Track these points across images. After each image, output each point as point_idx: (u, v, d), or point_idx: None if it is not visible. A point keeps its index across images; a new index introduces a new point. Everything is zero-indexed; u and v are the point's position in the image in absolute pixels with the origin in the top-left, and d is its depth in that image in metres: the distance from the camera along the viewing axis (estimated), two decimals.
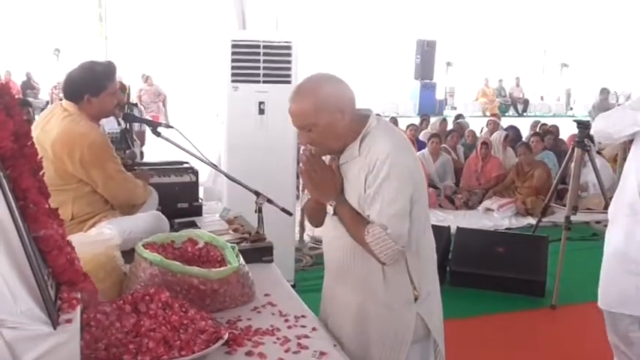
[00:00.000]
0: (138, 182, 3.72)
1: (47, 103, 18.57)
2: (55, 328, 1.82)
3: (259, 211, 3.54)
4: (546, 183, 9.09)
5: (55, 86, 19.40)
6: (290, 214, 3.85)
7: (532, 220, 8.37)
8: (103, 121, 4.21)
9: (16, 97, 2.23)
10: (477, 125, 14.63)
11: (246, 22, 6.32)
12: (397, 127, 2.65)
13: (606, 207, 4.10)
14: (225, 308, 2.64)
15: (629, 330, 3.80)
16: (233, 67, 5.66)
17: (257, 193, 3.58)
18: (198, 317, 2.26)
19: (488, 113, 24.32)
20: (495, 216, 9.06)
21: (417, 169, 2.58)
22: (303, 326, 2.52)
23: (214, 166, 4.18)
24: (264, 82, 5.72)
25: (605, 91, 18.00)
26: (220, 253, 2.83)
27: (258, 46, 5.65)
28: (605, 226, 3.94)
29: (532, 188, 9.35)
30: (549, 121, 14.47)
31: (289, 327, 2.51)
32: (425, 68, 26.30)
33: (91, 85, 3.51)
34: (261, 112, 5.77)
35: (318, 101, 2.48)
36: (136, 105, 10.99)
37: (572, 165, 6.05)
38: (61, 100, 3.70)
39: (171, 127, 3.85)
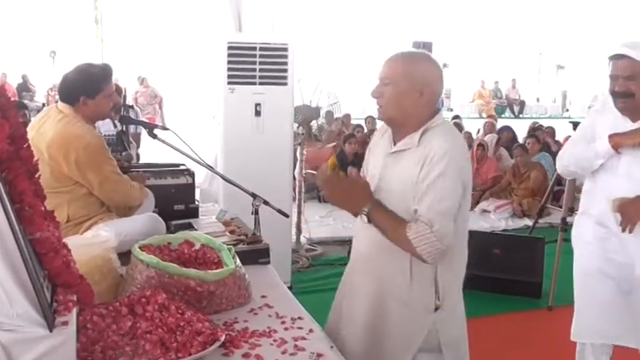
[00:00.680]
0: (134, 184, 3.71)
1: (43, 105, 18.53)
2: (51, 331, 1.81)
3: (256, 212, 3.54)
4: (542, 184, 9.10)
5: (50, 88, 19.40)
6: (286, 215, 3.85)
7: (528, 222, 8.39)
8: (99, 123, 4.20)
9: (12, 99, 2.22)
10: (474, 127, 14.66)
11: (242, 24, 6.32)
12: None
13: None
14: (222, 310, 2.63)
15: None
16: (229, 69, 5.66)
17: (253, 195, 3.58)
18: (195, 319, 2.26)
19: (484, 115, 24.33)
20: (492, 217, 9.08)
21: (468, 175, 2.56)
22: (300, 328, 2.52)
23: (210, 168, 4.19)
24: (261, 84, 5.72)
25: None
26: (217, 255, 2.83)
27: (254, 48, 5.65)
28: None
29: (528, 190, 9.36)
30: (545, 123, 14.51)
31: (286, 329, 2.50)
32: None
33: (87, 88, 3.51)
34: (258, 114, 5.77)
35: (411, 68, 2.55)
36: (132, 107, 11.00)
37: None
38: (56, 102, 3.69)
39: (168, 129, 3.85)
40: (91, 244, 2.74)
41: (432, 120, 2.56)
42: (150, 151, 7.91)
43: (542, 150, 10.42)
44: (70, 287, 2.08)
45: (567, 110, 31.21)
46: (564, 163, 3.59)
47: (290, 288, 4.62)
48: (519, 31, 30.10)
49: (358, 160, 9.92)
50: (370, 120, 13.71)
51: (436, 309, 2.58)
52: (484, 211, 9.29)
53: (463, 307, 2.77)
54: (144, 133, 5.16)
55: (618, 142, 3.23)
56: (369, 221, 2.54)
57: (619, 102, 3.22)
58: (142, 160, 7.92)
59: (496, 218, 9.02)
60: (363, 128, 12.44)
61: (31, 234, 1.96)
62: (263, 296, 2.84)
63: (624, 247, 3.35)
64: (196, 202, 4.33)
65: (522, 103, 29.24)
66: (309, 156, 7.92)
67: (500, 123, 14.53)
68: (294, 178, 7.09)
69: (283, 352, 2.28)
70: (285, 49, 5.73)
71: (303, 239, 7.42)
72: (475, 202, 9.57)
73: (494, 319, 5.56)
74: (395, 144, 2.63)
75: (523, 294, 5.85)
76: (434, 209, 2.42)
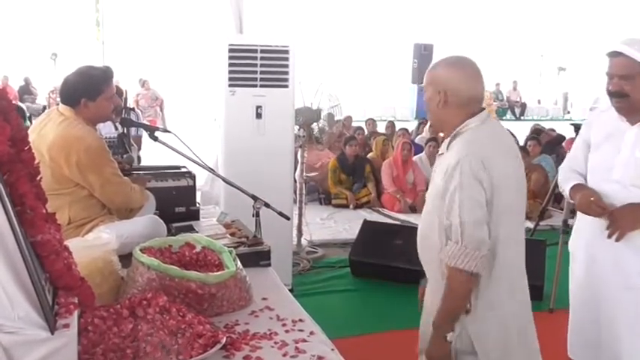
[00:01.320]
0: (135, 186, 3.71)
1: (44, 107, 18.54)
2: (52, 333, 1.82)
3: (257, 215, 3.54)
4: (543, 187, 9.09)
5: (52, 91, 19.38)
6: (287, 218, 3.85)
7: (529, 224, 8.36)
8: (100, 125, 4.21)
9: (13, 102, 2.23)
10: None
11: (243, 27, 6.32)
12: (505, 132, 2.65)
13: None
14: (223, 312, 2.64)
15: None
16: (230, 72, 5.66)
17: (254, 198, 3.58)
18: (196, 321, 2.26)
19: None
20: None
21: (491, 180, 2.47)
22: (301, 330, 2.52)
23: (212, 171, 4.19)
24: (262, 86, 5.72)
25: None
26: (218, 258, 2.83)
27: (255, 51, 5.65)
28: None
29: (529, 192, 9.35)
30: (546, 125, 14.50)
31: (287, 331, 2.51)
32: (422, 72, 25.88)
33: (88, 90, 3.52)
34: (259, 116, 5.77)
35: (432, 73, 2.66)
36: (133, 109, 10.99)
37: None
38: (57, 104, 3.70)
39: (169, 131, 3.85)
40: (92, 246, 2.74)
41: (465, 123, 2.56)
42: (151, 154, 7.90)
43: (546, 152, 10.42)
44: (72, 289, 2.08)
45: (568, 112, 31.18)
46: (560, 173, 3.50)
47: (291, 290, 4.62)
48: (520, 33, 30.12)
49: (359, 162, 9.94)
50: (371, 122, 13.71)
51: (467, 312, 2.56)
52: None
53: (510, 312, 2.66)
54: (145, 135, 5.16)
55: (578, 208, 3.22)
56: None
57: (614, 102, 3.07)
58: (143, 163, 7.93)
59: None
60: (363, 130, 12.43)
61: (33, 236, 1.96)
62: (264, 298, 2.84)
63: (616, 258, 3.12)
64: (197, 205, 4.34)
65: (523, 106, 29.24)
66: (309, 159, 7.92)
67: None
68: (295, 180, 7.09)
69: (284, 355, 2.29)
70: (286, 52, 5.73)
71: (304, 241, 7.41)
72: None
73: None
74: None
75: None
76: (461, 223, 2.43)
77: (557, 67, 33.24)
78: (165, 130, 3.92)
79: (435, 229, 2.55)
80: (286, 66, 5.75)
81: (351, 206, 9.60)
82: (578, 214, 3.37)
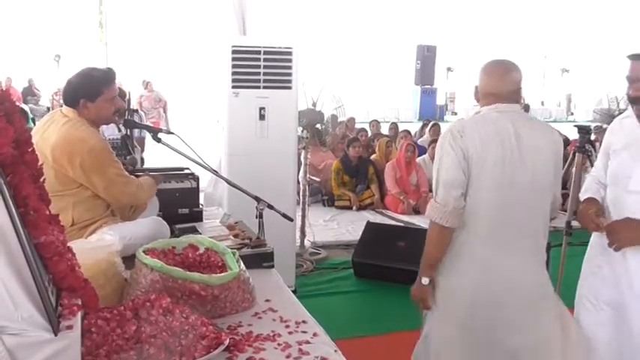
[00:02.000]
0: (142, 183, 3.71)
1: (48, 109, 18.57)
2: (55, 335, 1.82)
3: (260, 216, 3.54)
4: None
5: (55, 92, 19.43)
6: (290, 219, 3.85)
7: None
8: (103, 127, 4.21)
9: (17, 103, 2.23)
10: None
11: (246, 28, 6.32)
12: (493, 119, 3.02)
13: None
14: (226, 314, 2.64)
15: None
16: (233, 73, 5.66)
17: (257, 199, 3.58)
18: (199, 323, 2.26)
19: None
20: None
21: (472, 151, 2.89)
22: (304, 332, 2.52)
23: (215, 172, 4.19)
24: (265, 87, 5.72)
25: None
26: (221, 259, 2.83)
27: (258, 52, 5.65)
28: None
29: None
30: None
31: (290, 332, 2.50)
32: (425, 74, 26.31)
33: (87, 90, 3.51)
34: (262, 117, 5.77)
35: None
36: (136, 111, 11.00)
37: (573, 170, 6.04)
38: (61, 106, 3.70)
39: (172, 133, 3.85)
40: (96, 247, 2.74)
41: (479, 110, 3.09)
42: (154, 155, 7.90)
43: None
44: (75, 291, 2.08)
45: (572, 114, 31.17)
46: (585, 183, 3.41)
47: (294, 292, 4.62)
48: (524, 35, 30.11)
49: (362, 164, 9.93)
50: (375, 124, 13.70)
51: None
52: None
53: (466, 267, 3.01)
54: (148, 137, 5.16)
55: (578, 219, 3.27)
56: None
57: (635, 108, 2.91)
58: (146, 165, 7.93)
59: None
60: (366, 132, 12.43)
61: (36, 238, 1.96)
62: (267, 300, 2.84)
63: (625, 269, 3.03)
64: (200, 206, 4.34)
65: (527, 107, 29.02)
66: (312, 160, 7.93)
67: None
68: (298, 181, 7.09)
69: (287, 356, 2.28)
70: (290, 53, 5.73)
71: (307, 243, 7.42)
72: None
73: None
74: None
75: None
76: (436, 182, 2.97)
77: (561, 69, 33.25)
78: (169, 132, 3.92)
79: None
80: (289, 67, 5.75)
81: (355, 208, 9.61)
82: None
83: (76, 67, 3.73)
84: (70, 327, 1.88)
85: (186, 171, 4.46)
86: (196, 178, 4.36)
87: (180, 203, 4.16)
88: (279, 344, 2.38)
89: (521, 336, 3.01)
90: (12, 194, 1.91)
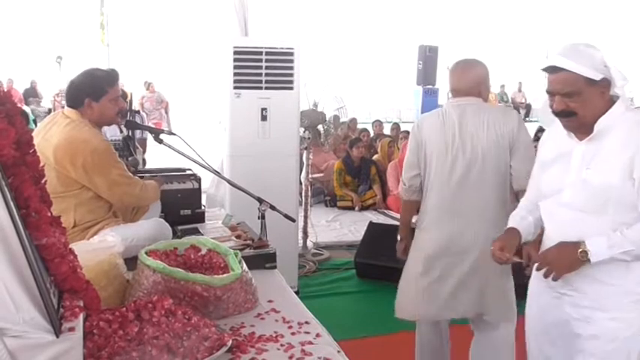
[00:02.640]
0: (146, 184, 3.71)
1: (50, 110, 18.58)
2: (57, 337, 1.82)
3: (262, 217, 3.54)
4: None
5: (57, 94, 19.39)
6: (293, 220, 3.85)
7: None
8: (105, 128, 4.20)
9: (18, 105, 2.23)
10: None
11: (248, 29, 6.33)
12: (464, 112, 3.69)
13: None
14: (229, 315, 2.63)
15: None
16: (235, 74, 5.66)
17: (260, 200, 3.58)
18: (202, 324, 2.25)
19: None
20: None
21: (428, 143, 3.74)
22: (307, 332, 2.51)
23: (217, 173, 4.18)
24: (267, 88, 5.72)
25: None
26: (223, 260, 2.83)
27: (260, 53, 5.65)
28: None
29: None
30: None
31: (293, 333, 2.50)
32: (427, 74, 26.16)
33: (92, 90, 3.51)
34: (264, 118, 5.77)
35: None
36: (138, 112, 11.03)
37: None
38: (63, 107, 3.70)
39: (174, 134, 3.84)
40: (98, 249, 2.74)
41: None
42: (156, 156, 7.90)
43: None
44: (77, 293, 2.08)
45: None
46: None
47: (297, 292, 4.61)
48: (525, 34, 30.08)
49: (364, 164, 9.93)
50: (378, 124, 13.71)
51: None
52: None
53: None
54: (150, 138, 5.14)
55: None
56: None
57: (562, 121, 2.71)
58: (148, 166, 7.93)
59: None
60: (368, 132, 12.44)
61: (38, 240, 1.96)
62: (270, 301, 2.83)
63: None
64: (203, 207, 4.33)
65: (528, 107, 29.18)
66: (314, 161, 7.92)
67: None
68: (301, 182, 7.09)
69: (290, 357, 2.28)
70: (291, 54, 5.73)
71: (309, 244, 7.42)
72: None
73: None
74: None
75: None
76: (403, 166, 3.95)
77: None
78: (171, 133, 3.91)
79: None
80: (291, 68, 5.75)
81: (357, 208, 9.61)
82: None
83: (77, 69, 3.73)
84: (72, 329, 1.88)
85: (188, 172, 4.46)
86: (198, 179, 4.35)
87: (182, 204, 4.16)
88: (281, 345, 2.37)
89: (461, 269, 3.71)
90: (13, 196, 1.91)
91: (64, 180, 3.40)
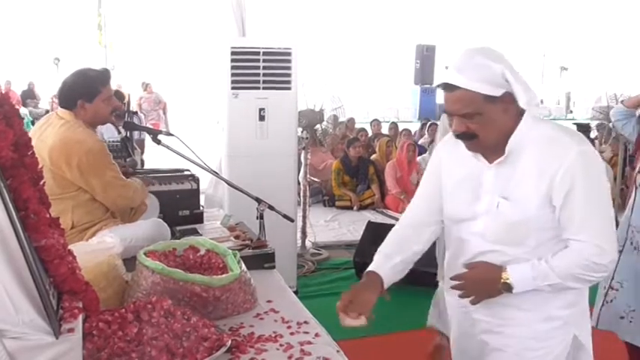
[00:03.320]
0: (136, 187, 3.71)
1: (47, 112, 18.56)
2: (57, 338, 1.82)
3: (261, 217, 3.54)
4: None
5: (54, 95, 19.35)
6: (292, 220, 3.85)
7: None
8: (103, 129, 4.21)
9: (16, 107, 2.23)
10: None
11: (245, 29, 6.32)
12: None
13: None
14: (228, 315, 2.63)
15: None
16: (233, 74, 5.66)
17: (258, 200, 3.58)
18: (201, 325, 2.25)
19: None
20: None
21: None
22: (306, 332, 2.51)
23: (215, 174, 4.18)
24: (264, 88, 5.72)
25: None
26: (222, 260, 2.83)
27: (257, 53, 5.65)
28: None
29: None
30: None
31: (292, 333, 2.50)
32: (425, 73, 26.26)
33: (85, 91, 3.51)
34: (262, 118, 5.77)
35: None
36: (136, 113, 11.03)
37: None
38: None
39: (172, 134, 3.84)
40: (96, 250, 2.74)
41: None
42: (154, 157, 7.91)
43: None
44: (76, 294, 2.08)
45: (571, 112, 31.16)
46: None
47: (296, 292, 4.61)
48: (523, 33, 30.10)
49: (362, 164, 9.93)
50: (376, 124, 13.71)
51: None
52: None
53: None
54: (148, 139, 5.13)
55: None
56: None
57: (464, 143, 2.35)
58: (146, 166, 7.93)
59: None
60: (366, 132, 12.44)
61: (37, 241, 1.96)
62: (269, 301, 2.84)
63: None
64: (201, 208, 4.33)
65: None
66: (312, 161, 7.93)
67: None
68: (299, 182, 7.09)
69: (289, 357, 2.28)
70: (289, 54, 5.73)
71: (308, 243, 7.41)
72: None
73: None
74: None
75: None
76: None
77: (560, 67, 33.24)
78: (169, 134, 3.91)
79: None
80: (289, 68, 5.75)
81: (355, 208, 9.61)
82: None
83: (75, 70, 3.73)
84: (71, 330, 1.88)
85: (187, 172, 4.45)
86: (196, 180, 4.35)
87: (180, 205, 4.15)
88: (281, 345, 2.37)
89: None
90: (12, 197, 1.91)
91: (60, 181, 3.40)
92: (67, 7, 25.28)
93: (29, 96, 22.07)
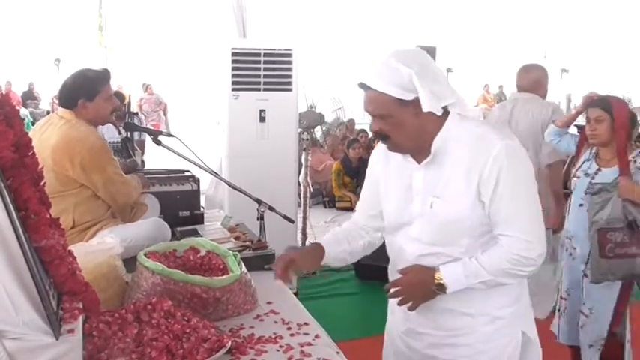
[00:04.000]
0: (135, 184, 3.73)
1: (48, 112, 18.56)
2: (57, 339, 1.82)
3: (261, 218, 3.54)
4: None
5: (55, 96, 19.36)
6: (292, 221, 3.85)
7: None
8: (104, 129, 4.21)
9: (17, 107, 2.23)
10: None
11: (246, 30, 6.33)
12: None
13: None
14: (228, 316, 2.63)
15: None
16: (233, 75, 5.67)
17: (258, 201, 3.58)
18: (201, 326, 2.25)
19: None
20: None
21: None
22: (306, 334, 2.51)
23: (215, 175, 4.18)
24: (265, 89, 5.73)
25: None
26: (222, 261, 2.83)
27: (258, 54, 5.66)
28: None
29: None
30: None
31: (292, 334, 2.50)
32: None
33: (85, 90, 3.52)
34: (262, 119, 5.78)
35: None
36: (136, 114, 11.02)
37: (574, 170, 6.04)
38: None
39: (172, 135, 3.85)
40: (97, 251, 2.74)
41: None
42: (154, 158, 7.91)
43: None
44: (76, 295, 2.08)
45: None
46: None
47: (296, 294, 4.60)
48: (523, 35, 30.07)
49: (363, 165, 9.93)
50: None
51: None
52: None
53: None
54: (148, 140, 5.13)
55: None
56: None
57: (386, 144, 2.37)
58: (146, 167, 7.93)
59: None
60: (367, 133, 12.41)
61: (37, 242, 1.96)
62: (269, 302, 2.83)
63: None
64: (201, 209, 4.33)
65: None
66: (312, 162, 7.92)
67: None
68: (299, 183, 7.09)
69: (289, 358, 2.28)
70: (289, 55, 5.74)
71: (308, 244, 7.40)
72: None
73: None
74: None
75: None
76: None
77: (561, 69, 33.16)
78: (169, 135, 3.92)
79: None
80: (289, 69, 5.76)
81: (355, 209, 9.59)
82: None
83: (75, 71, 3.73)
84: (71, 331, 1.88)
85: (187, 173, 4.46)
86: (197, 181, 4.35)
87: (180, 206, 4.15)
88: (280, 346, 2.37)
89: None
90: (12, 198, 1.91)
91: (62, 179, 3.41)
92: (67, 8, 25.26)
93: (30, 97, 22.06)
